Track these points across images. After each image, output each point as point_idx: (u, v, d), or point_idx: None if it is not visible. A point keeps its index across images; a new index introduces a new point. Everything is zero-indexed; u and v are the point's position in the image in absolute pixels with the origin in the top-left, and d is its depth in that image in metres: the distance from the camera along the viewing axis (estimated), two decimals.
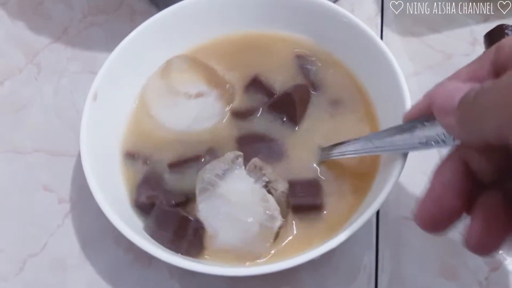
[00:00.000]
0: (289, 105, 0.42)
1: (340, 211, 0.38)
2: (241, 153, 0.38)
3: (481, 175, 0.27)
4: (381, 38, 0.51)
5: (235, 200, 0.37)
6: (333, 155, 0.39)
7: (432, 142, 0.30)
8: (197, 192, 0.38)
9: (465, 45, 0.50)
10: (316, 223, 0.38)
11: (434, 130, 0.30)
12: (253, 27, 0.47)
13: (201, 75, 0.44)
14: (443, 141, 0.29)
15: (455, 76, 0.30)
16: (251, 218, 0.36)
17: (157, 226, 0.38)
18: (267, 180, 0.38)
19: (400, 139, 0.33)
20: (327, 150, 0.40)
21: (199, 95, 0.43)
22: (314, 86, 0.44)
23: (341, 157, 0.39)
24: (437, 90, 0.29)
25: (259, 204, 0.37)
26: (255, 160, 0.39)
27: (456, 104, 0.25)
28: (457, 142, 0.28)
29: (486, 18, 0.52)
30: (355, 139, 0.38)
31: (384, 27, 0.52)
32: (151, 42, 0.44)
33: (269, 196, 0.37)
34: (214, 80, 0.44)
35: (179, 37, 0.46)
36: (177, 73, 0.44)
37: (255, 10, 0.46)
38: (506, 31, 0.40)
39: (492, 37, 0.42)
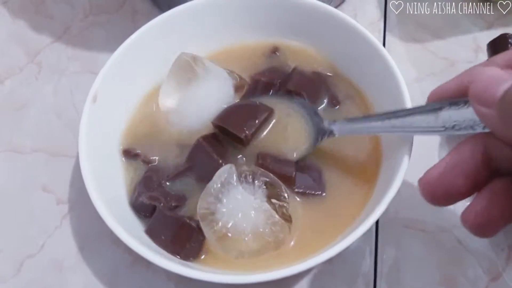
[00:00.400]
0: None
1: (339, 220, 0.38)
2: (231, 165, 0.38)
3: (499, 162, 0.27)
4: (384, 43, 0.51)
5: (239, 223, 0.36)
6: (341, 130, 0.38)
7: (459, 128, 0.28)
8: (199, 217, 0.37)
9: (468, 52, 0.50)
10: (314, 232, 0.38)
11: (463, 116, 0.28)
12: (253, 34, 0.46)
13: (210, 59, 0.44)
14: (471, 128, 0.27)
15: (491, 63, 0.28)
16: (257, 238, 0.36)
17: (158, 229, 0.38)
18: (266, 194, 0.37)
19: (423, 120, 0.31)
20: (332, 124, 0.38)
21: (208, 71, 0.43)
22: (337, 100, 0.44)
23: (351, 134, 0.37)
24: (475, 74, 0.27)
25: (265, 223, 0.36)
26: (244, 170, 0.38)
27: (498, 96, 0.24)
28: (488, 130, 0.26)
29: (489, 25, 0.52)
30: (370, 116, 0.35)
31: (386, 33, 0.52)
32: (152, 44, 0.44)
33: (273, 212, 0.37)
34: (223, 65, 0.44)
35: (182, 40, 0.45)
36: (186, 61, 0.43)
37: (255, 16, 0.46)
38: (510, 40, 0.40)
39: (496, 46, 0.41)
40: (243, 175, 0.38)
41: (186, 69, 0.42)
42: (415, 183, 0.41)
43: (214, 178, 0.38)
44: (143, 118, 0.44)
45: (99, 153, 0.40)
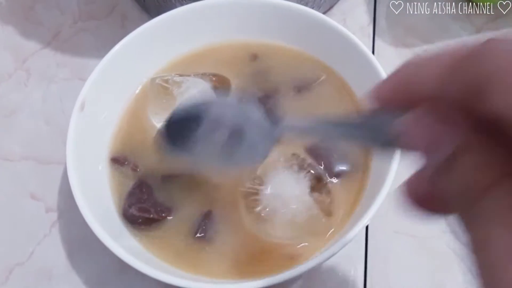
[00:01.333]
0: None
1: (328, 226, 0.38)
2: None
3: None
4: (373, 48, 0.51)
5: (279, 209, 0.37)
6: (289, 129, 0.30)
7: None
8: (240, 195, 0.38)
9: None
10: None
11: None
12: (245, 36, 0.46)
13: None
14: None
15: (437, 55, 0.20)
16: (294, 227, 0.36)
17: None
18: (309, 185, 0.37)
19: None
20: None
21: (183, 86, 0.43)
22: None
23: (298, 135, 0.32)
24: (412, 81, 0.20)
25: (304, 214, 0.37)
26: (293, 158, 0.38)
27: None
28: None
29: (478, 30, 0.52)
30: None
31: (376, 37, 0.52)
32: (141, 50, 0.44)
33: (314, 204, 0.37)
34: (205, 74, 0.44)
35: (171, 45, 0.45)
36: (158, 86, 0.43)
37: (247, 20, 0.46)
38: None
39: None
40: (290, 162, 0.38)
41: (162, 93, 0.43)
42: None
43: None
44: (131, 125, 0.44)
45: (87, 161, 0.39)
